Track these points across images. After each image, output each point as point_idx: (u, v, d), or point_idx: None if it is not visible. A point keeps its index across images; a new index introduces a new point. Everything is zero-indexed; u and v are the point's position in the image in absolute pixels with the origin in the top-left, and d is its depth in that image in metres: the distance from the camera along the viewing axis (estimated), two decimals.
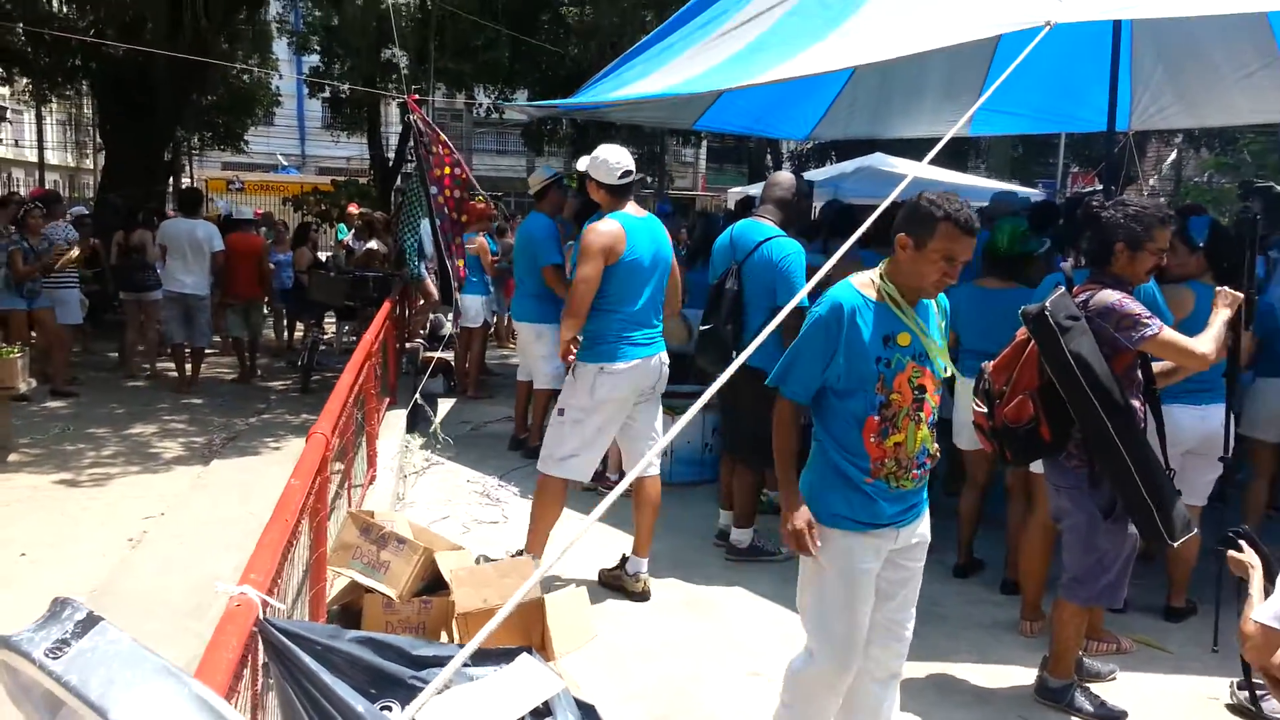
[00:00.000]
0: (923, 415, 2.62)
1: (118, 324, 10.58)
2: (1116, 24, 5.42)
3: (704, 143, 26.80)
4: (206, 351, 9.53)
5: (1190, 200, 16.32)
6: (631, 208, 4.19)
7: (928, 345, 2.63)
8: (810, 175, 13.19)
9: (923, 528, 2.76)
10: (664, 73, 6.00)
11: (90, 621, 1.45)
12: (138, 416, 7.97)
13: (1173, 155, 25.36)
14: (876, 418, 2.59)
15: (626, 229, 4.08)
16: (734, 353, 4.41)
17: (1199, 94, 8.19)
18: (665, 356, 4.31)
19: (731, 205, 11.74)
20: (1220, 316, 3.23)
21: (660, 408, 4.44)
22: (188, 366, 9.15)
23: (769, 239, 4.48)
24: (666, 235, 4.32)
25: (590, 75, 8.44)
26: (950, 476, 5.95)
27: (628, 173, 4.16)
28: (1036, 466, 3.67)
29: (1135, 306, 3.09)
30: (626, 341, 4.13)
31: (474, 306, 8.35)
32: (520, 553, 4.28)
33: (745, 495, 4.76)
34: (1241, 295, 3.37)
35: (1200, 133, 18.76)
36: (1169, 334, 3.10)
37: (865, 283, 2.64)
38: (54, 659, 1.38)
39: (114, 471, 6.50)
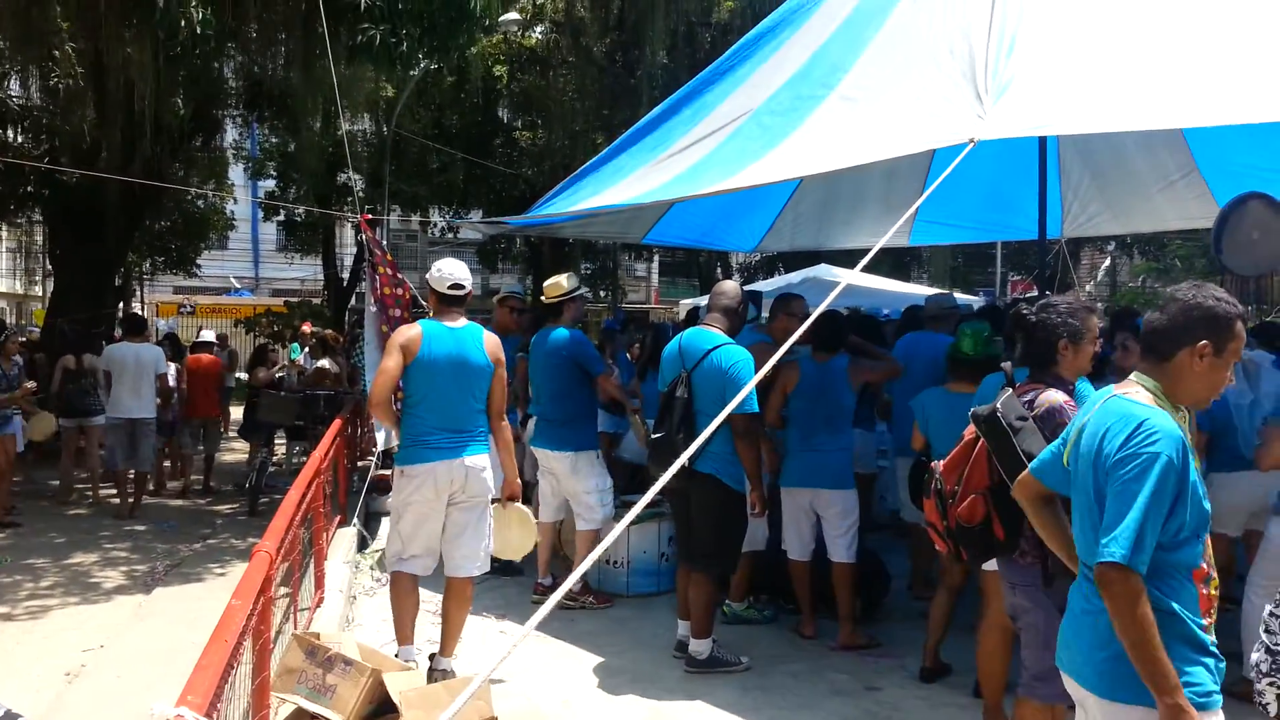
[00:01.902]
0: None
1: (59, 450, 10.32)
2: (1042, 138, 5.71)
3: (655, 257, 27.35)
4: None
5: (1125, 304, 16.90)
6: (450, 318, 4.41)
7: None
8: (759, 286, 13.49)
9: None
10: (613, 190, 6.17)
11: None
12: (78, 545, 7.71)
13: (1107, 261, 26.36)
14: (1204, 563, 2.33)
15: (425, 333, 4.35)
16: (688, 462, 4.42)
17: (1126, 203, 8.59)
18: (480, 461, 4.38)
19: (683, 316, 11.92)
20: None
21: (484, 512, 4.46)
22: (130, 491, 8.91)
23: (717, 346, 4.54)
24: (484, 342, 4.39)
25: (543, 196, 8.66)
26: (915, 580, 5.95)
27: (457, 285, 4.42)
28: (990, 565, 3.67)
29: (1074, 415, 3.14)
30: (423, 445, 4.32)
31: None
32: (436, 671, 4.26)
33: (702, 605, 4.68)
34: None
35: (1131, 239, 19.57)
36: None
37: (1149, 400, 2.33)
38: None
39: (52, 603, 6.25)
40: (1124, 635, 2.22)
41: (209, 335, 11.25)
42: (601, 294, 24.39)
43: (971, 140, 3.72)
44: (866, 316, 8.11)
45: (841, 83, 4.98)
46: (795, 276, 13.51)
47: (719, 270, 20.39)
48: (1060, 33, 4.27)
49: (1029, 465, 2.68)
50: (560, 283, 5.86)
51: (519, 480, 4.68)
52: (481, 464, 4.40)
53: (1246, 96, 3.71)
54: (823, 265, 13.39)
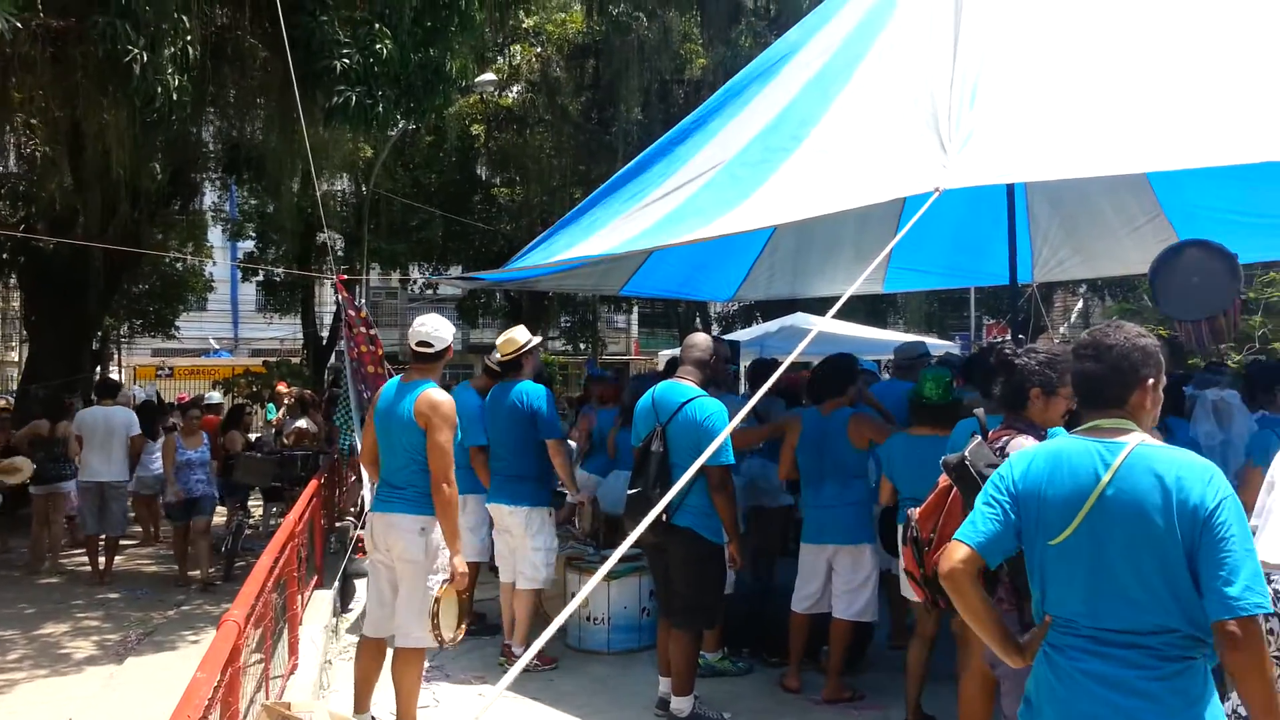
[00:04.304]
0: None
1: (29, 518, 10.14)
2: (1010, 185, 5.80)
3: (634, 308, 27.45)
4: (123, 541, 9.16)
5: None
6: (412, 374, 4.44)
7: None
8: (736, 335, 13.55)
9: None
10: (589, 242, 6.20)
11: None
12: (49, 615, 7.54)
13: (1079, 304, 26.67)
14: None
15: (383, 390, 4.53)
16: (664, 516, 4.39)
17: (1094, 247, 8.71)
18: (401, 520, 4.26)
19: (661, 366, 11.94)
20: None
21: (416, 582, 4.25)
22: (102, 559, 8.75)
23: (691, 399, 4.54)
24: (415, 402, 4.23)
25: (521, 250, 8.71)
26: (895, 630, 5.89)
27: (422, 343, 4.41)
28: None
29: None
30: (374, 498, 4.49)
31: None
32: None
33: (683, 661, 4.61)
34: None
35: (1102, 282, 19.82)
36: None
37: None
38: None
39: (19, 676, 6.09)
40: (1265, 695, 2.11)
41: (216, 397, 11.22)
42: (581, 346, 24.44)
43: (936, 189, 3.77)
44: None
45: (810, 135, 5.05)
46: (772, 325, 13.60)
47: (698, 320, 20.49)
48: (1020, 81, 4.35)
49: (969, 541, 2.39)
50: (514, 338, 5.74)
51: (458, 552, 4.27)
52: (403, 523, 4.27)
53: (1207, 140, 3.79)
54: (799, 313, 13.48)
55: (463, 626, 4.34)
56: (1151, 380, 2.34)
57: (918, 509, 3.37)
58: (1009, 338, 6.64)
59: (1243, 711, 2.71)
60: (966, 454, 3.11)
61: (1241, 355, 15.15)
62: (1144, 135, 3.89)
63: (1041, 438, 3.25)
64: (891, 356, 7.69)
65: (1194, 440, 4.76)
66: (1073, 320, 27.02)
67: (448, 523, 4.21)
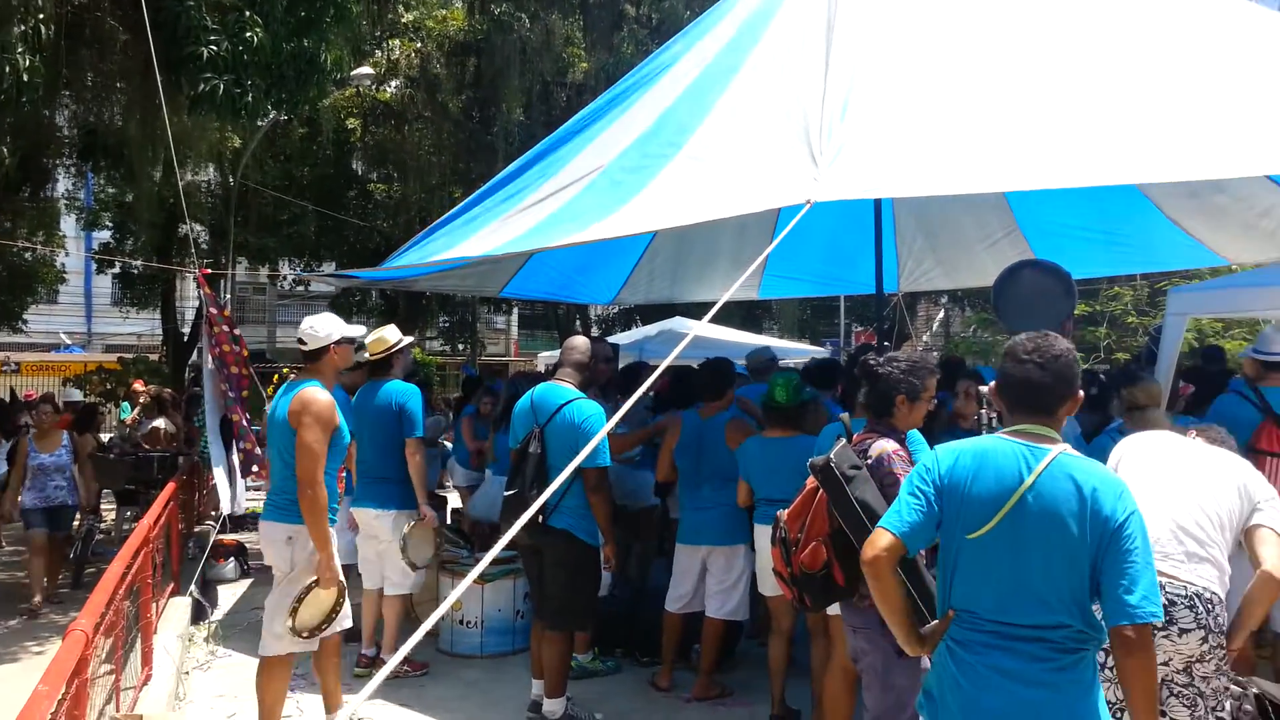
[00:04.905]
0: None
1: None
2: (876, 199, 6.03)
3: (514, 310, 27.27)
4: None
5: (959, 353, 17.86)
6: (302, 374, 4.34)
7: None
8: (616, 338, 13.62)
9: None
10: (468, 243, 6.14)
11: None
12: None
13: (941, 313, 27.91)
14: None
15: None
16: (540, 517, 4.39)
17: (955, 259, 9.15)
18: (272, 530, 4.19)
19: (542, 368, 11.90)
20: None
21: (286, 588, 4.15)
22: None
23: (570, 401, 4.56)
24: (289, 402, 4.17)
25: (398, 249, 8.54)
26: (758, 627, 6.03)
27: (300, 340, 4.36)
28: (834, 609, 3.78)
29: (901, 465, 3.26)
30: None
31: None
32: None
33: (556, 663, 4.62)
34: None
35: (962, 292, 20.77)
36: None
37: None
38: None
39: None
40: (1149, 695, 2.29)
41: (76, 394, 10.57)
42: (460, 347, 24.12)
43: (808, 201, 3.89)
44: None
45: (688, 143, 5.14)
46: (651, 329, 13.72)
47: (578, 323, 20.49)
48: (888, 101, 4.53)
49: (893, 529, 2.48)
50: (385, 337, 5.61)
51: (330, 558, 4.11)
52: (271, 532, 4.18)
53: (1060, 163, 4.03)
54: (678, 318, 13.65)
55: (324, 627, 4.16)
56: (1080, 394, 2.51)
57: (785, 510, 3.47)
58: (875, 344, 6.90)
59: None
60: (831, 456, 3.22)
61: (1088, 364, 16.12)
62: (1002, 157, 4.11)
63: (902, 441, 3.40)
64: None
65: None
66: (934, 329, 28.26)
67: (315, 528, 4.03)
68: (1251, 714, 3.39)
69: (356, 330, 4.55)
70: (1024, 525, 2.37)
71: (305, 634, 4.06)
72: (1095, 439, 4.79)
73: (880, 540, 2.48)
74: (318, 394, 4.15)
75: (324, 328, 4.34)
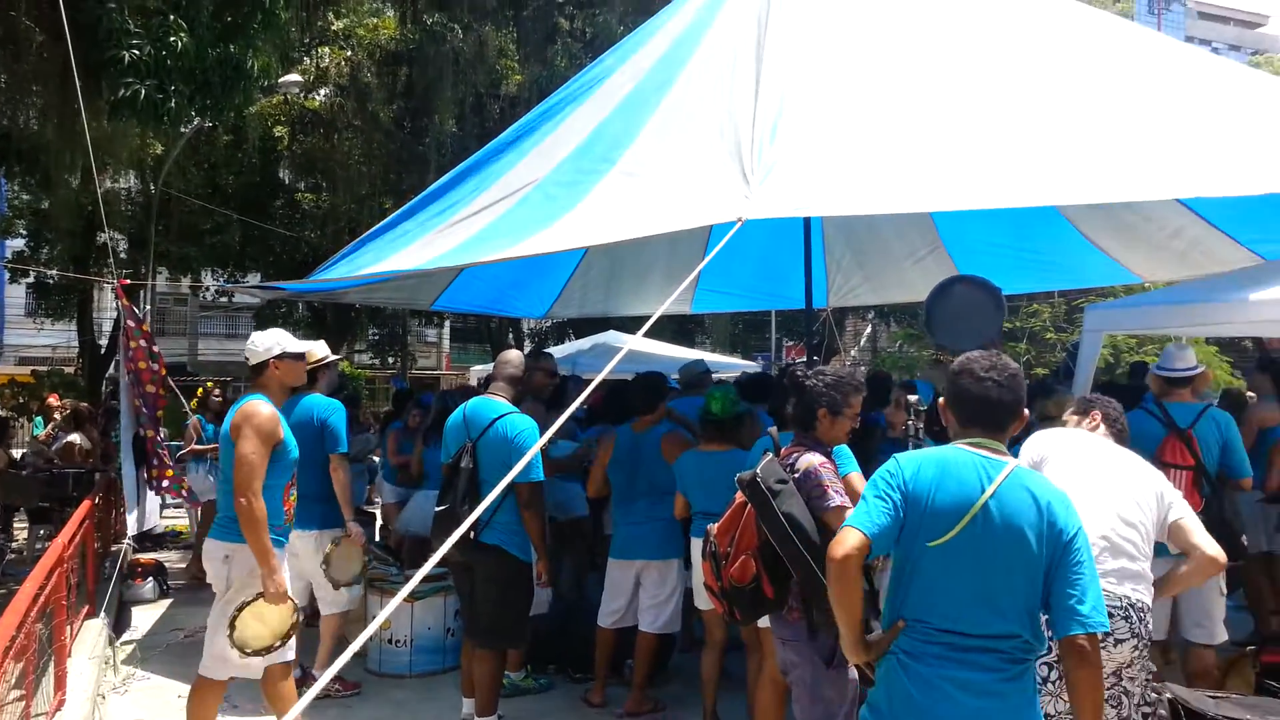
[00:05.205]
0: None
1: None
2: (807, 217, 6.13)
3: (446, 323, 27.03)
4: None
5: (886, 368, 18.23)
6: (250, 388, 4.28)
7: None
8: (549, 351, 13.59)
9: None
10: (399, 256, 6.08)
11: None
12: None
13: (869, 329, 28.46)
14: None
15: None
16: (472, 533, 4.36)
17: (882, 276, 9.34)
18: (206, 545, 4.13)
19: (474, 382, 11.80)
20: None
21: (223, 607, 4.03)
22: None
23: (502, 415, 4.53)
24: (232, 416, 4.11)
25: (327, 260, 8.41)
26: (691, 640, 6.05)
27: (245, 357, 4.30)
28: (764, 621, 3.81)
29: (828, 478, 3.33)
30: None
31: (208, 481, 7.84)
32: None
33: (487, 681, 4.57)
34: None
35: (889, 308, 21.21)
36: (847, 514, 3.17)
37: None
38: None
39: None
40: (1098, 707, 2.37)
41: None
42: (391, 360, 23.81)
43: (739, 219, 3.95)
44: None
45: (621, 158, 5.17)
46: (585, 342, 13.72)
47: (510, 336, 20.39)
48: (818, 121, 4.62)
49: (864, 529, 2.45)
50: (311, 351, 5.44)
51: (273, 570, 3.96)
52: (211, 549, 4.08)
53: (982, 184, 4.16)
54: (611, 331, 13.69)
55: (275, 648, 4.02)
56: (1026, 412, 2.62)
57: (715, 524, 3.51)
58: (804, 359, 7.01)
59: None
60: (758, 471, 3.26)
61: None
62: (926, 178, 4.22)
63: (829, 455, 3.46)
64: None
65: None
66: (862, 344, 28.79)
67: (253, 541, 3.91)
68: (1165, 718, 3.51)
69: (302, 345, 4.45)
70: (986, 535, 2.42)
71: (249, 651, 3.95)
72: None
73: (851, 539, 2.45)
74: (259, 406, 4.07)
75: (264, 342, 4.26)
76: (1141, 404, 5.10)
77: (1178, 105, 4.73)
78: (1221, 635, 4.55)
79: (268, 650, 3.99)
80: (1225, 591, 4.60)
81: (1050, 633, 2.47)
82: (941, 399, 2.72)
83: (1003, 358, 2.63)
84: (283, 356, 4.25)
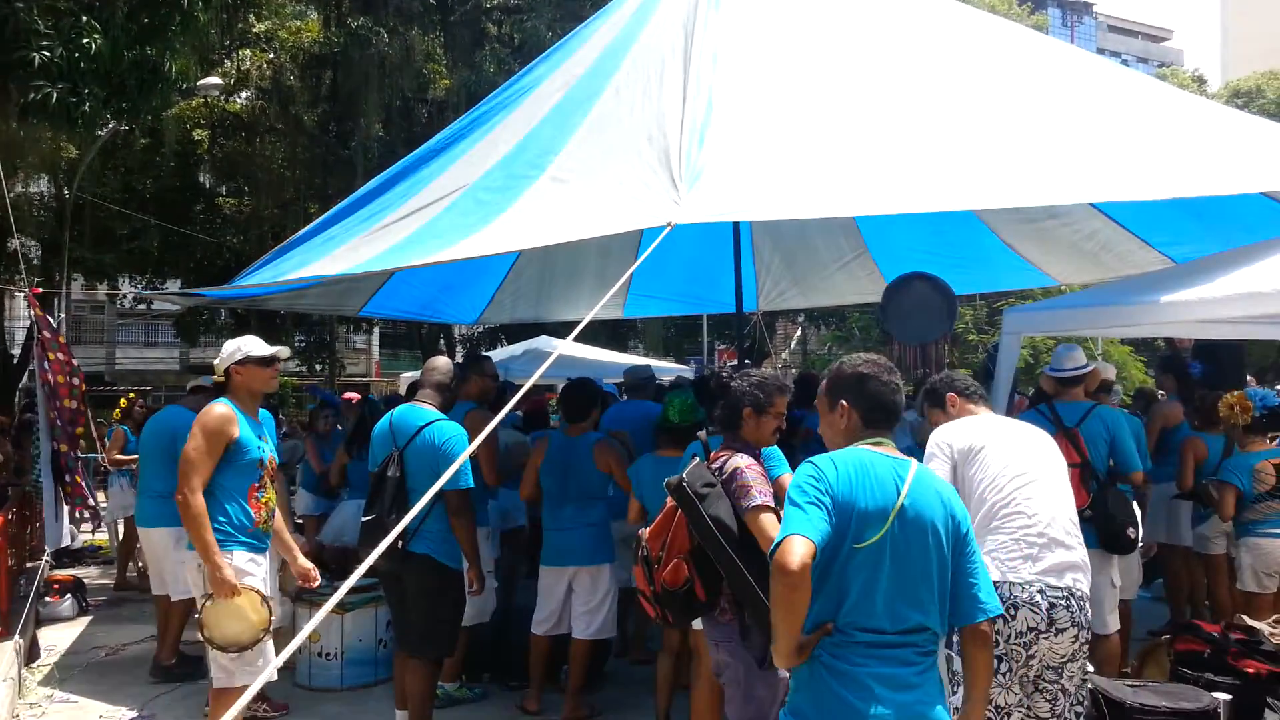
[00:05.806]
0: None
1: None
2: (735, 222, 6.20)
3: (376, 329, 26.66)
4: None
5: (816, 370, 18.46)
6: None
7: None
8: (488, 355, 13.48)
9: None
10: (325, 261, 5.99)
11: None
12: None
13: (798, 332, 28.87)
14: None
15: None
16: (400, 542, 4.30)
17: (810, 280, 9.49)
18: (186, 556, 4.18)
19: (404, 389, 11.65)
20: None
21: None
22: None
23: (430, 423, 4.48)
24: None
25: (250, 265, 8.22)
26: (627, 644, 6.06)
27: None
28: (698, 624, 3.84)
29: (752, 478, 3.33)
30: None
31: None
32: None
33: (420, 692, 4.50)
34: None
35: (818, 311, 21.51)
36: (765, 516, 3.22)
37: None
38: None
39: None
40: (988, 686, 2.53)
41: None
42: (318, 368, 23.37)
43: (669, 224, 3.98)
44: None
45: (551, 165, 5.17)
46: (517, 348, 13.66)
47: (441, 342, 20.17)
48: (744, 128, 4.69)
49: (813, 537, 2.37)
50: (280, 353, 5.53)
51: (217, 566, 3.94)
52: (187, 559, 4.14)
53: (904, 189, 4.27)
54: (543, 337, 13.62)
55: (261, 635, 4.00)
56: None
57: (647, 529, 3.53)
58: (736, 362, 7.08)
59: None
60: (685, 475, 3.29)
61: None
62: (850, 184, 4.31)
63: (757, 456, 3.50)
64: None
65: None
66: (793, 347, 29.18)
67: (194, 537, 3.92)
68: (1087, 708, 3.64)
69: (269, 349, 4.34)
70: (904, 534, 2.46)
71: (233, 649, 3.94)
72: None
73: (802, 548, 2.35)
74: (212, 406, 4.11)
75: (227, 348, 4.24)
76: (1034, 406, 5.30)
77: (1090, 114, 4.91)
78: (1114, 625, 4.74)
79: (255, 643, 3.98)
80: (1141, 581, 4.78)
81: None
82: (832, 402, 2.71)
83: (888, 361, 2.77)
84: (244, 361, 4.21)
